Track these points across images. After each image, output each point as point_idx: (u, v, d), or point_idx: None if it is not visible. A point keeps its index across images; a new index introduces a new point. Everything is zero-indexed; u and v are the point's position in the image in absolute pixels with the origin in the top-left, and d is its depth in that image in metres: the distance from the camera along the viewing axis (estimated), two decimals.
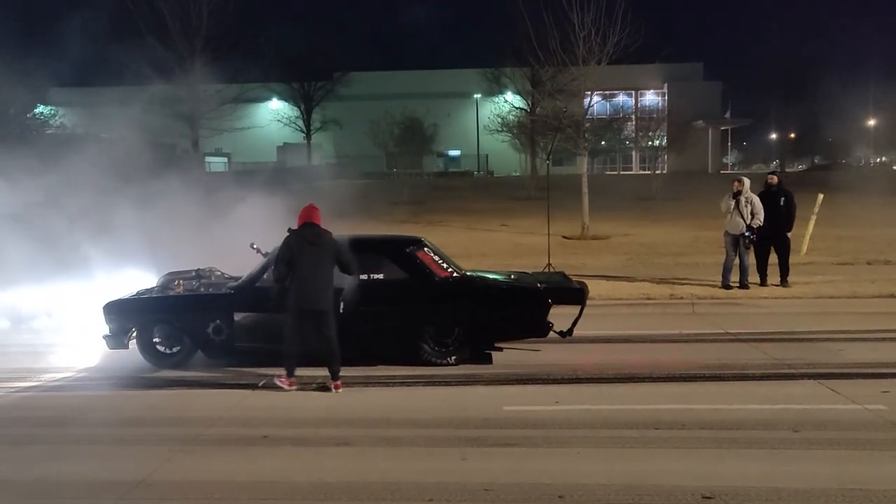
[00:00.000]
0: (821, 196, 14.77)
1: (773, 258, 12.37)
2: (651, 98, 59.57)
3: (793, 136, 69.08)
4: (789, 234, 12.38)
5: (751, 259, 12.33)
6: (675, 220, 23.35)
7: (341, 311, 7.66)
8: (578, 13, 18.57)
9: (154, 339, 8.28)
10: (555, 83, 23.17)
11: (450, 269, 8.58)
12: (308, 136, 51.57)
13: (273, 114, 54.27)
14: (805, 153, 71.56)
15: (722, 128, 62.03)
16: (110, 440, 6.07)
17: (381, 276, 8.18)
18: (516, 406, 6.66)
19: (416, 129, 44.70)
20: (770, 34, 59.35)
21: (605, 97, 52.44)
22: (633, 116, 45.60)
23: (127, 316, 8.34)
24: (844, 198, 23.14)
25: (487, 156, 58.52)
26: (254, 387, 7.50)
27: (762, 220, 11.97)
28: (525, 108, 34.61)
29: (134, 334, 8.30)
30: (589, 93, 20.97)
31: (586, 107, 21.50)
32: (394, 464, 5.43)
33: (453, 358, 8.10)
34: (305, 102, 50.86)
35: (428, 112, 45.48)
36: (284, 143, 57.50)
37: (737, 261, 12.18)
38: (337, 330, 7.36)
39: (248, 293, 8.14)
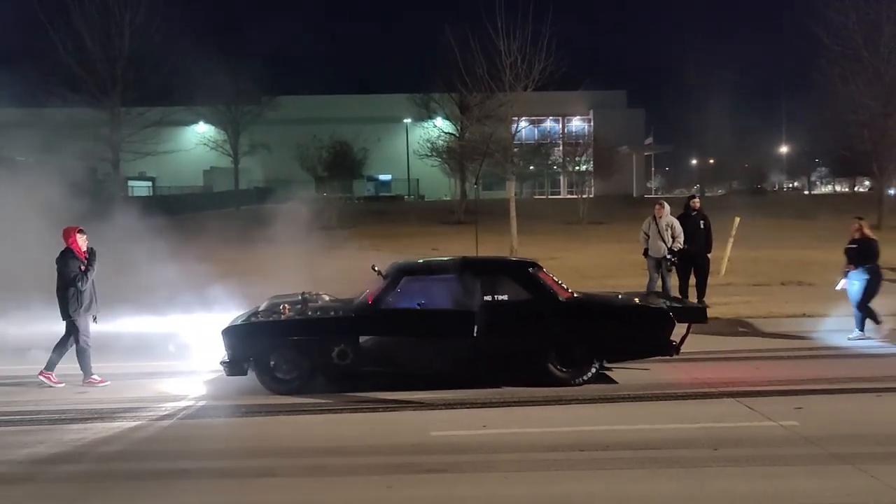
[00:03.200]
0: (737, 219, 15.31)
1: (694, 279, 12.72)
2: (577, 124, 61.03)
3: (712, 161, 71.82)
4: (709, 256, 12.77)
5: (673, 281, 12.64)
6: (601, 244, 23.85)
7: (475, 333, 7.62)
8: (505, 40, 18.94)
9: (274, 364, 7.93)
10: (483, 109, 23.53)
11: (570, 290, 8.61)
12: (236, 159, 50.72)
13: (199, 137, 53.21)
14: (724, 178, 74.37)
15: (645, 153, 63.98)
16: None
17: (505, 298, 8.16)
18: (444, 431, 6.62)
19: (345, 153, 44.61)
20: (690, 65, 61.68)
21: (532, 123, 53.46)
22: (561, 142, 46.61)
23: (248, 341, 7.98)
24: (760, 221, 24.08)
25: (418, 180, 58.77)
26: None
27: (682, 242, 12.30)
28: (454, 133, 34.95)
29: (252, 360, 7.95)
30: (516, 118, 21.33)
31: (514, 132, 21.83)
32: (319, 495, 5.32)
33: (581, 379, 8.00)
34: (233, 126, 50.03)
35: (358, 136, 45.45)
36: (211, 167, 56.46)
37: (659, 282, 12.47)
38: (468, 352, 7.59)
39: (374, 315, 7.95)
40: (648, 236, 12.36)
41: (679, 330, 8.33)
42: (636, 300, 8.97)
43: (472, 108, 25.49)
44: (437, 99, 36.14)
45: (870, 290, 10.27)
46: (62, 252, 8.56)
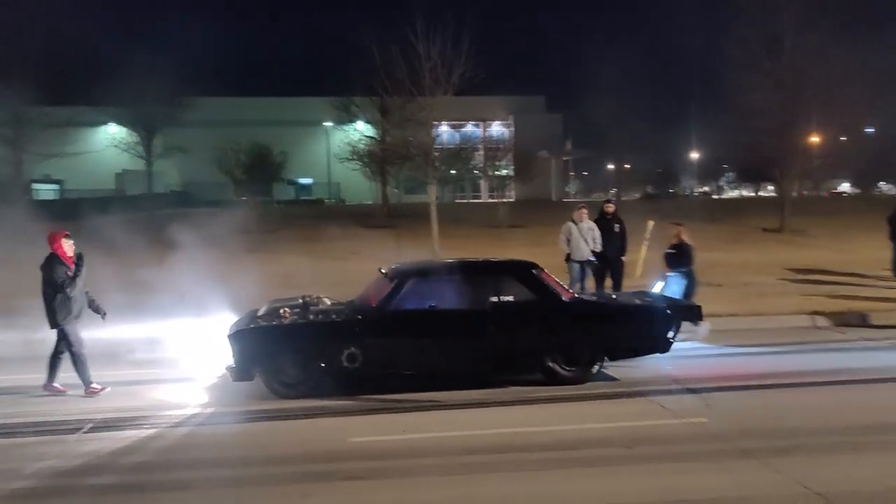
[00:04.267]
0: (651, 223, 15.76)
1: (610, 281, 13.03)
2: (498, 129, 61.72)
3: (627, 166, 73.84)
4: (624, 259, 13.12)
5: (589, 283, 12.92)
6: (521, 247, 24.04)
7: (485, 334, 7.89)
8: (425, 45, 18.98)
9: (282, 369, 7.83)
10: (404, 113, 23.49)
11: (572, 291, 8.63)
12: (149, 162, 49.04)
13: (111, 139, 51.22)
14: (639, 182, 76.55)
15: (564, 158, 65.23)
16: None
17: (510, 299, 8.24)
18: (362, 437, 6.58)
19: (264, 156, 43.86)
20: (606, 73, 63.24)
21: (453, 127, 53.80)
22: (481, 146, 47.02)
23: (257, 346, 7.86)
24: (671, 225, 24.87)
25: (339, 184, 58.16)
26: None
27: (601, 245, 12.62)
28: (375, 136, 34.82)
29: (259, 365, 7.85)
30: (437, 123, 21.41)
31: (434, 136, 21.92)
32: None
33: (586, 377, 8.17)
34: (146, 127, 48.35)
35: (277, 140, 44.72)
36: (124, 170, 54.46)
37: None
38: (478, 352, 7.90)
39: (383, 317, 7.95)
40: (570, 241, 12.60)
41: None
42: (635, 300, 9.27)
43: (393, 112, 25.39)
44: (358, 103, 35.87)
45: (687, 293, 11.03)
46: (47, 258, 8.23)
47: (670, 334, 8.49)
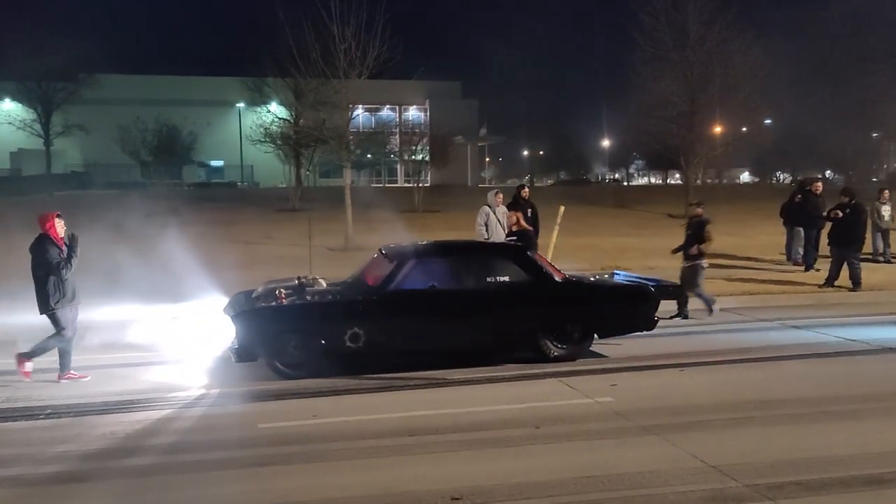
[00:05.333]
0: (562, 208, 16.08)
1: None
2: (414, 113, 61.63)
3: (541, 153, 75.16)
4: (537, 243, 13.35)
5: None
6: (436, 231, 24.18)
7: (486, 312, 8.24)
8: (339, 26, 18.66)
9: (286, 349, 7.85)
10: (318, 95, 23.10)
11: (564, 272, 9.00)
12: (47, 141, 46.64)
13: (5, 115, 48.42)
14: (553, 169, 78.06)
15: (479, 144, 65.75)
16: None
17: (507, 279, 8.50)
18: (272, 423, 6.49)
19: (173, 137, 42.35)
20: (521, 60, 64.00)
21: (369, 111, 53.38)
22: (397, 131, 46.84)
23: (263, 326, 7.84)
24: (584, 210, 25.52)
25: (252, 167, 56.87)
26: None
27: (530, 228, 12.87)
28: (289, 118, 34.12)
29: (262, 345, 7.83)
30: (352, 105, 21.15)
31: (349, 119, 21.65)
32: (137, 497, 5.05)
33: (577, 354, 8.53)
34: (44, 104, 45.92)
35: (186, 120, 43.29)
36: (19, 149, 51.66)
37: None
38: (478, 330, 8.23)
39: (386, 297, 8.06)
40: (487, 225, 12.72)
41: None
42: (630, 281, 9.64)
43: (307, 93, 24.94)
44: (271, 84, 35.05)
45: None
46: (38, 239, 7.91)
47: (654, 313, 8.93)
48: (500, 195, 12.95)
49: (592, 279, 9.81)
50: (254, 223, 27.07)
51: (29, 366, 7.90)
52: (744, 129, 33.58)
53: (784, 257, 16.60)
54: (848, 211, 13.40)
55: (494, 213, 12.69)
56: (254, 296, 8.54)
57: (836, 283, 13.54)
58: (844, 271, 13.48)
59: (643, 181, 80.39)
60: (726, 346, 9.38)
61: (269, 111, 36.21)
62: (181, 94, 54.13)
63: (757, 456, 5.52)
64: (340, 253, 19.07)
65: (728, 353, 8.98)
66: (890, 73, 34.27)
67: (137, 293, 10.65)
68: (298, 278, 8.79)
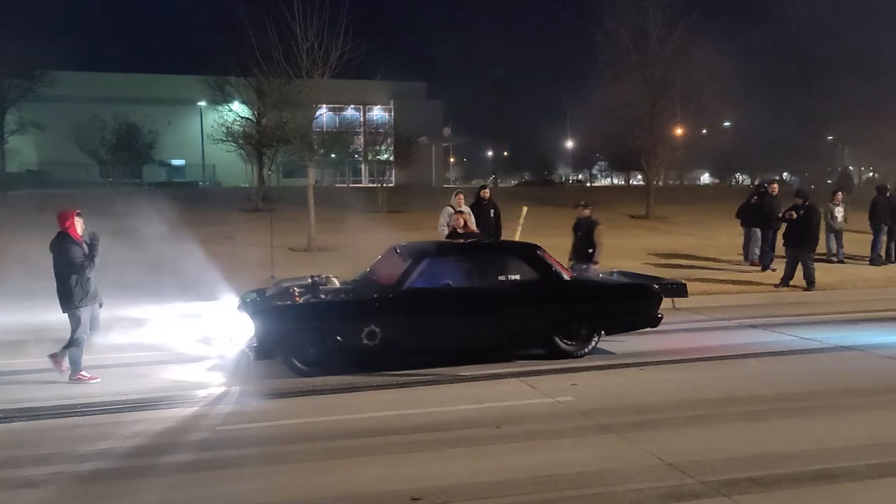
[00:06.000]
0: (525, 209, 16.18)
1: None
2: (378, 113, 61.40)
3: (506, 154, 75.49)
4: None
5: None
6: (401, 231, 24.12)
7: (501, 310, 8.38)
8: (301, 25, 18.52)
9: (304, 347, 7.95)
10: (281, 94, 22.86)
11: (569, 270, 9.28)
12: (1, 139, 45.49)
13: None
14: (517, 169, 78.43)
15: (444, 144, 65.75)
16: None
17: (518, 278, 8.65)
18: (232, 425, 6.43)
19: (132, 135, 41.61)
20: (486, 61, 64.20)
21: (333, 110, 53.02)
22: (362, 130, 46.59)
23: (283, 324, 7.95)
24: (547, 210, 25.65)
25: (214, 166, 56.12)
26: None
27: (477, 230, 12.82)
28: (251, 118, 33.74)
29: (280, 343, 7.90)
30: (316, 105, 20.98)
31: (313, 119, 21.49)
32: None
33: (584, 351, 8.71)
34: None
35: (146, 118, 42.61)
36: None
37: None
38: (492, 328, 8.36)
39: (401, 295, 8.16)
40: (449, 225, 12.71)
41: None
42: (634, 279, 9.87)
43: (270, 93, 24.66)
44: (233, 83, 34.63)
45: None
46: (58, 237, 7.89)
47: (658, 310, 9.12)
48: (462, 196, 12.98)
49: (597, 278, 10.09)
50: (215, 223, 26.73)
51: (85, 374, 7.94)
52: (704, 131, 34.12)
53: (742, 257, 16.91)
54: (802, 212, 13.71)
55: (457, 214, 12.69)
56: (267, 294, 8.70)
57: (791, 282, 13.84)
58: (799, 271, 13.79)
59: (606, 182, 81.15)
60: (685, 344, 9.54)
61: (231, 110, 35.78)
62: (141, 92, 53.27)
63: (713, 453, 5.62)
64: (303, 253, 18.95)
65: (687, 351, 9.14)
66: (844, 79, 35.07)
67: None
68: (311, 277, 8.93)
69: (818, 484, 5.07)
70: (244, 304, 8.56)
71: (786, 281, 13.88)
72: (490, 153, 75.89)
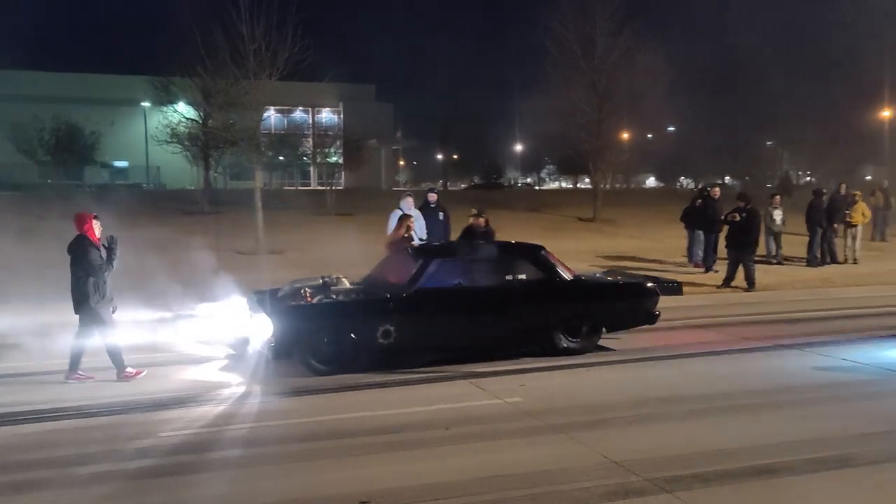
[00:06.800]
0: (474, 211, 16.27)
1: None
2: (328, 116, 60.99)
3: (455, 157, 75.75)
4: None
5: None
6: (349, 235, 23.97)
7: (511, 309, 8.61)
8: (248, 25, 18.30)
9: (321, 346, 8.05)
10: (227, 96, 22.53)
11: (572, 270, 9.40)
12: None
13: None
14: (467, 173, 78.76)
15: (393, 147, 65.65)
16: None
17: (523, 277, 8.88)
18: (177, 431, 6.31)
19: (72, 136, 40.55)
20: (435, 64, 64.40)
21: (281, 112, 52.53)
22: (310, 133, 46.24)
23: (302, 323, 8.06)
24: (496, 213, 25.79)
25: (159, 168, 54.93)
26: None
27: (425, 233, 12.84)
28: (197, 119, 33.16)
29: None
30: (264, 107, 20.75)
31: (260, 121, 21.25)
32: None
33: (587, 348, 8.96)
34: None
35: (88, 119, 41.57)
36: None
37: None
38: (502, 326, 8.63)
39: (415, 295, 8.31)
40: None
41: None
42: (633, 279, 10.21)
43: (216, 94, 24.27)
44: (178, 83, 33.99)
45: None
46: (77, 240, 7.98)
47: (656, 308, 9.42)
48: (410, 198, 12.98)
49: (597, 277, 10.33)
50: (159, 226, 26.16)
51: (130, 369, 8.05)
52: (649, 136, 34.83)
53: (686, 259, 17.30)
54: (744, 215, 14.08)
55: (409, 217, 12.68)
56: (279, 295, 8.77)
57: (733, 283, 14.20)
58: (740, 272, 14.16)
59: (554, 185, 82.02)
60: (631, 345, 9.68)
61: (176, 111, 35.10)
62: (83, 92, 51.88)
63: (658, 451, 5.72)
64: (251, 257, 18.71)
65: (633, 352, 9.29)
66: (783, 86, 36.22)
67: (28, 299, 10.23)
68: (322, 277, 9.07)
69: (759, 479, 5.21)
70: (258, 305, 8.59)
71: (728, 282, 14.25)
72: (440, 156, 76.06)
